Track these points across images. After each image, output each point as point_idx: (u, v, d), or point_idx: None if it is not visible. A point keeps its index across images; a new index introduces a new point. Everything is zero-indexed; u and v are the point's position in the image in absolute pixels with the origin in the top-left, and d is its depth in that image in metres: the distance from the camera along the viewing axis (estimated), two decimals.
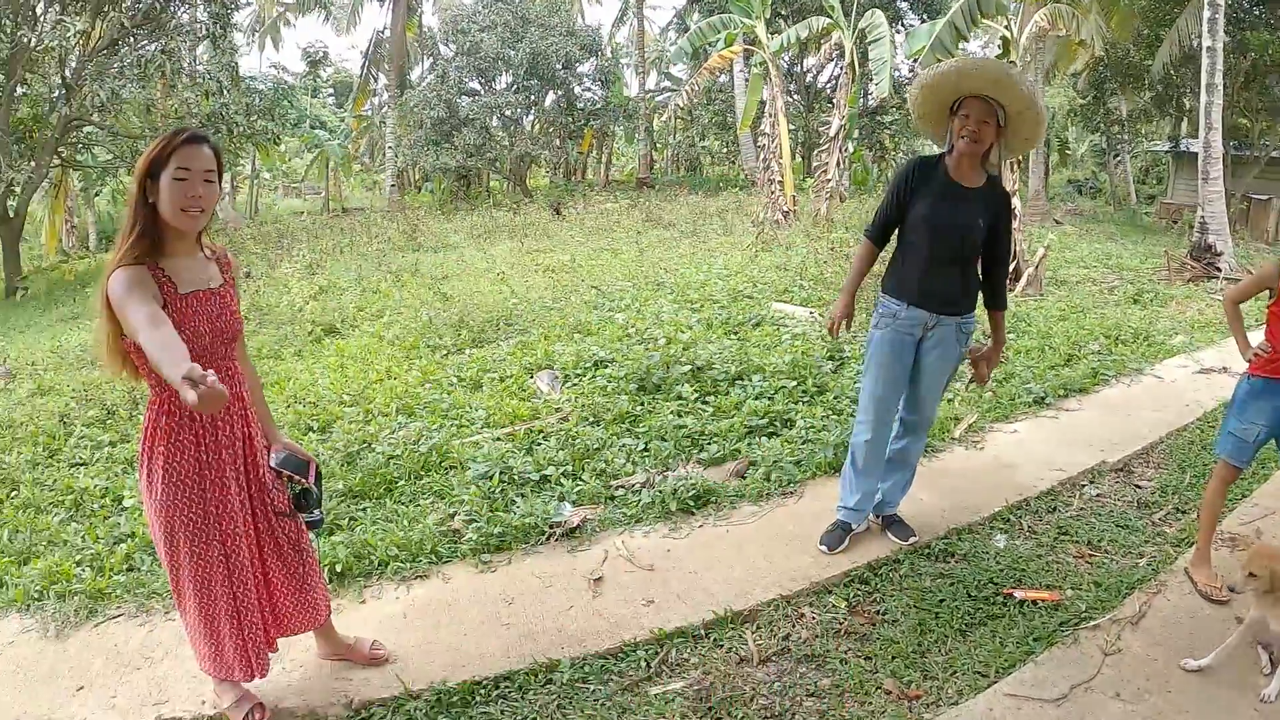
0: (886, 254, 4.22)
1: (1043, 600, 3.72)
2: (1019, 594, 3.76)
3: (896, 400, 4.12)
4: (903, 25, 27.34)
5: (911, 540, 4.21)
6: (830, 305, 8.60)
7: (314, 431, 6.18)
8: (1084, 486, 4.97)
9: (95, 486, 5.46)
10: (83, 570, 4.37)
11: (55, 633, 3.90)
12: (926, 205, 3.86)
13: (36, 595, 4.18)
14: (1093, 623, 3.56)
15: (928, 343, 3.99)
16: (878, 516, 4.38)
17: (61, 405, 7.25)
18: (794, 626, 3.63)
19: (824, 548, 4.14)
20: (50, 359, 9.90)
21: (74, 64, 19.09)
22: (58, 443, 6.38)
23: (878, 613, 3.70)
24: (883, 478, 4.26)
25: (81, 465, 5.96)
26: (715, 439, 5.45)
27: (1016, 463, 5.18)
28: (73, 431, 6.52)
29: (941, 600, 3.73)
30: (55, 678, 3.58)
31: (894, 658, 3.38)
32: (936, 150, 4.03)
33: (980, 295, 4.08)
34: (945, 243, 3.84)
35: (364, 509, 4.91)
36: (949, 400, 5.99)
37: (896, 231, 4.05)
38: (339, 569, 4.15)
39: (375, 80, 38.24)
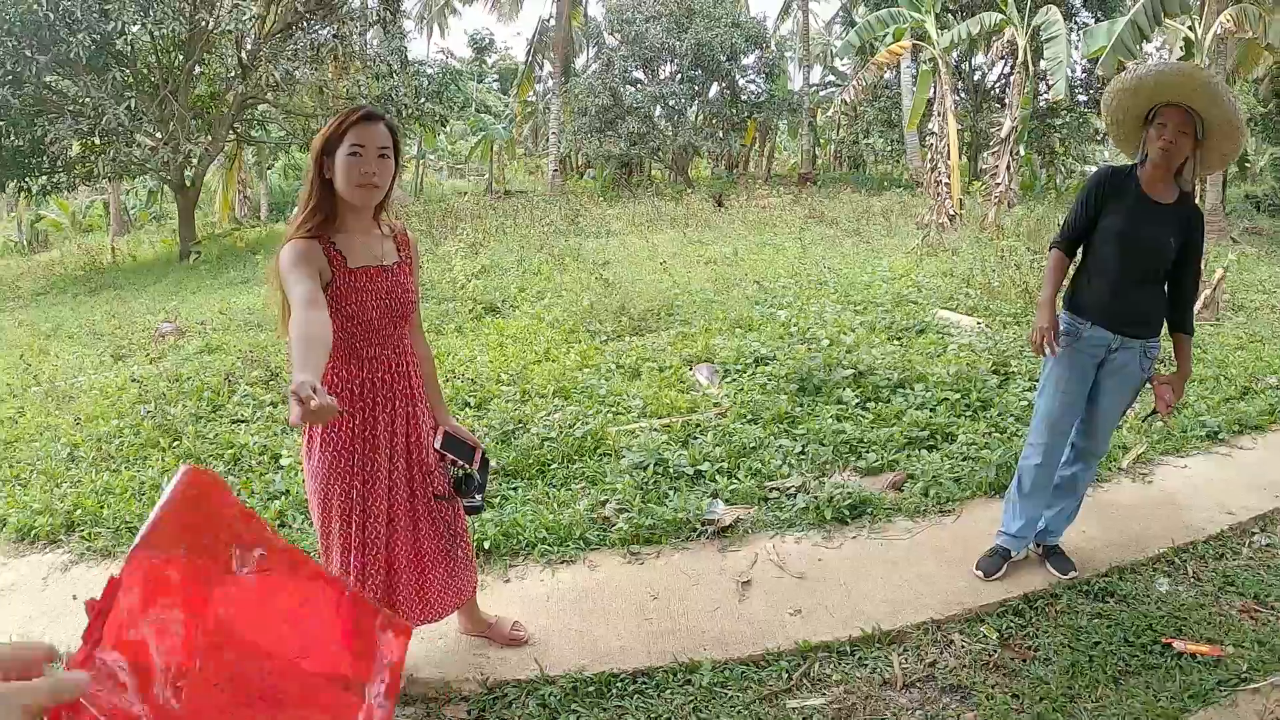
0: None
1: (1202, 654, 3.44)
2: (1178, 644, 3.49)
3: (1071, 424, 3.92)
4: (1075, 22, 26.30)
5: (1071, 574, 3.99)
6: (1000, 318, 8.41)
7: (471, 408, 6.31)
8: (1254, 534, 4.59)
9: (254, 444, 5.71)
10: None
11: None
12: (1117, 218, 3.65)
13: None
14: (1252, 685, 3.27)
15: (1109, 366, 3.78)
16: (1038, 545, 4.17)
17: (227, 364, 7.60)
18: (941, 653, 3.49)
19: (980, 573, 3.98)
20: (219, 320, 10.42)
21: (250, 46, 20.02)
22: (221, 399, 6.70)
23: (1030, 648, 3.52)
24: (1048, 505, 4.07)
25: (242, 422, 6.24)
26: (874, 447, 5.31)
27: (1185, 501, 4.86)
28: (236, 389, 6.83)
29: (1097, 643, 3.52)
30: None
31: (1042, 699, 3.20)
32: (1109, 153, 3.80)
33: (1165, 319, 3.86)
34: (1134, 259, 3.64)
35: (515, 488, 4.97)
36: (1117, 427, 5.71)
37: (1082, 245, 3.87)
38: (487, 545, 4.21)
39: (540, 67, 38.96)
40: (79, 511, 4.79)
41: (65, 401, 7.16)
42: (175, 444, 5.81)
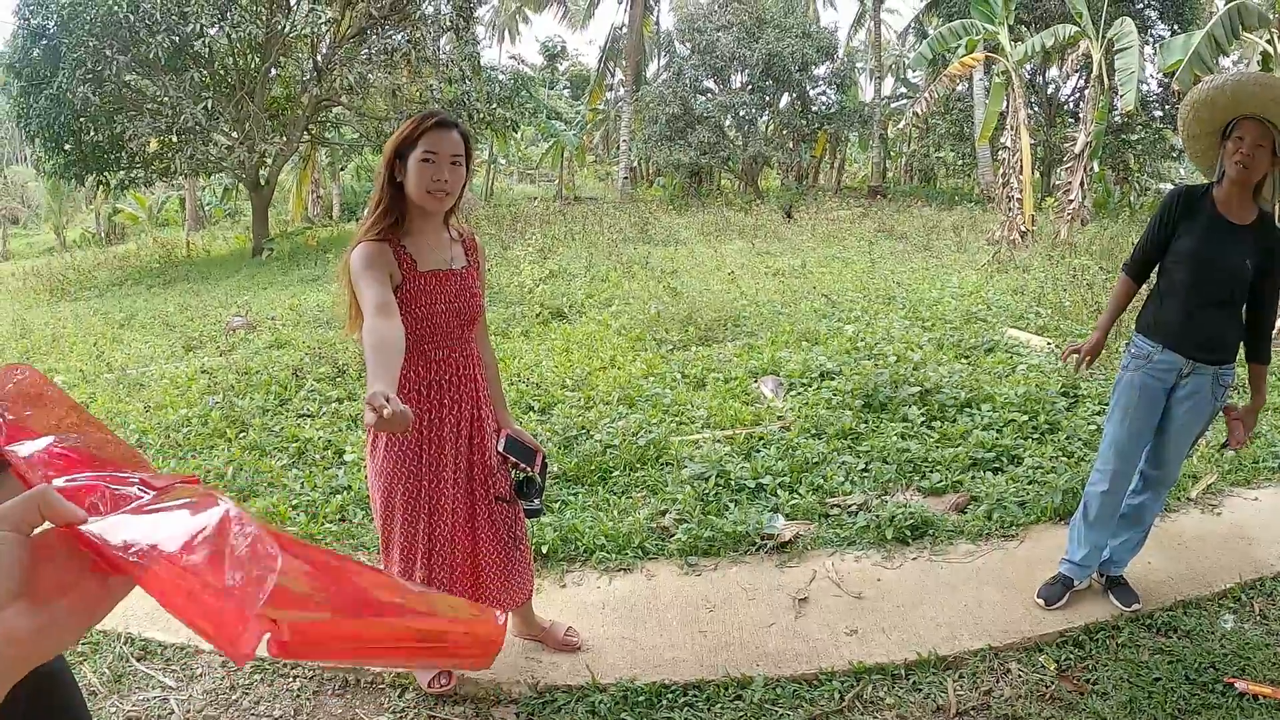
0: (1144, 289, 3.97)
1: (1264, 696, 3.32)
2: (1240, 685, 3.37)
3: (1139, 451, 3.82)
4: (1150, 35, 25.84)
5: (1134, 607, 3.89)
6: (1070, 338, 8.26)
7: (534, 412, 6.36)
8: None
9: (319, 438, 5.81)
10: (298, 514, 4.72)
11: None
12: (1191, 240, 3.56)
13: None
14: None
15: (1180, 391, 3.68)
16: (1101, 575, 4.07)
17: (296, 359, 7.74)
18: (997, 682, 3.43)
19: (1041, 601, 3.90)
20: (289, 315, 10.63)
21: (325, 50, 20.40)
22: (289, 393, 6.83)
23: (1088, 681, 3.43)
24: (1114, 534, 3.97)
25: (308, 417, 6.35)
26: (938, 467, 5.24)
27: (1254, 535, 4.69)
28: (304, 384, 6.96)
29: (1157, 679, 3.42)
30: None
31: None
32: (1185, 171, 3.70)
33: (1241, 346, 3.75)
34: (1208, 283, 3.54)
35: (575, 494, 5.01)
36: (1187, 456, 5.56)
37: (1156, 268, 3.78)
38: (545, 550, 4.24)
39: (611, 75, 39.15)
40: None
41: (136, 389, 7.34)
42: (242, 435, 5.93)
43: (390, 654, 0.82)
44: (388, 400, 2.12)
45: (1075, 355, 3.98)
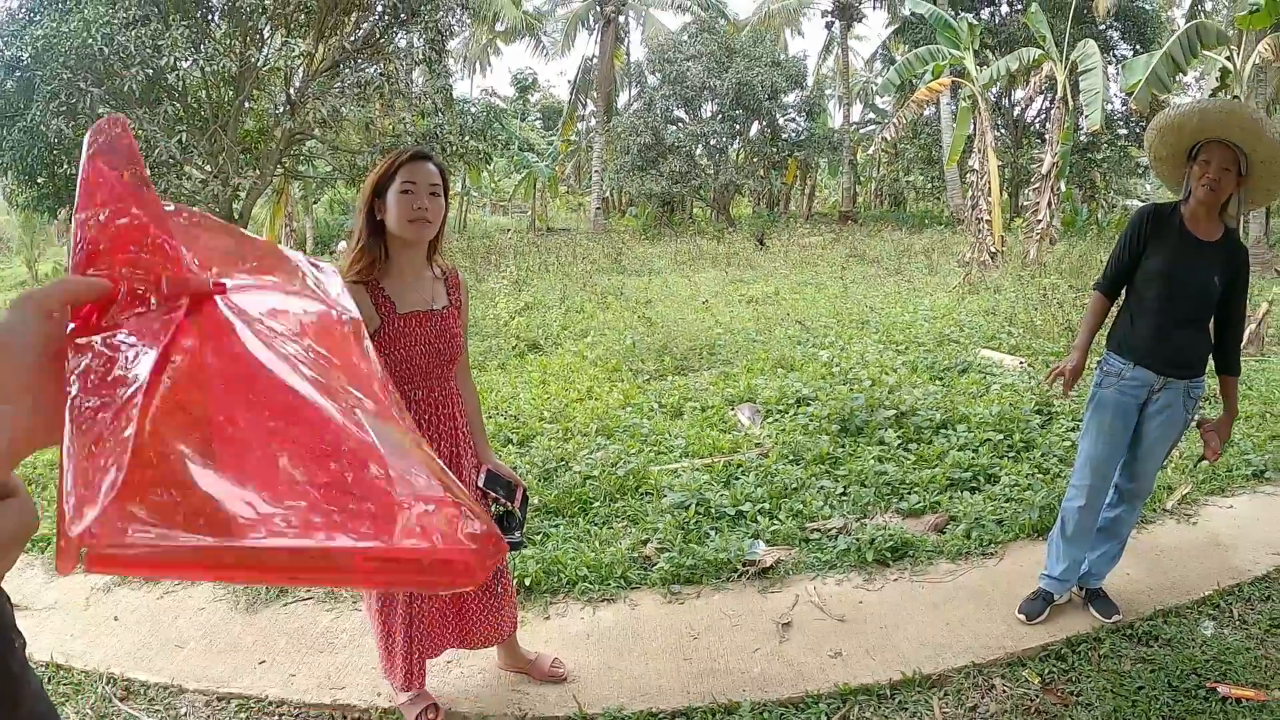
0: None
1: (1248, 699, 3.36)
2: (1223, 690, 3.42)
3: (1114, 466, 3.88)
4: (1114, 55, 26.26)
5: (1115, 618, 3.93)
6: (1043, 357, 8.35)
7: (513, 444, 6.34)
8: None
9: None
10: None
11: (245, 606, 4.17)
12: (1160, 258, 3.63)
13: None
14: None
15: (1152, 406, 3.75)
16: (1080, 588, 4.11)
17: None
18: (982, 698, 3.45)
19: (1022, 616, 3.93)
20: None
21: (298, 83, 20.34)
22: None
23: (1072, 693, 3.46)
24: (1091, 547, 4.01)
25: None
26: (916, 489, 5.28)
27: (1231, 542, 4.77)
28: None
29: (1140, 688, 3.45)
30: (239, 649, 3.80)
31: None
32: (1151, 187, 3.77)
33: (1210, 359, 3.82)
34: (1179, 300, 3.61)
35: (557, 526, 4.98)
36: (1161, 468, 5.62)
37: (1126, 285, 3.85)
38: (528, 583, 4.22)
39: (583, 106, 39.30)
40: None
41: None
42: None
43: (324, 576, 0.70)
44: None
45: (1060, 378, 4.00)
